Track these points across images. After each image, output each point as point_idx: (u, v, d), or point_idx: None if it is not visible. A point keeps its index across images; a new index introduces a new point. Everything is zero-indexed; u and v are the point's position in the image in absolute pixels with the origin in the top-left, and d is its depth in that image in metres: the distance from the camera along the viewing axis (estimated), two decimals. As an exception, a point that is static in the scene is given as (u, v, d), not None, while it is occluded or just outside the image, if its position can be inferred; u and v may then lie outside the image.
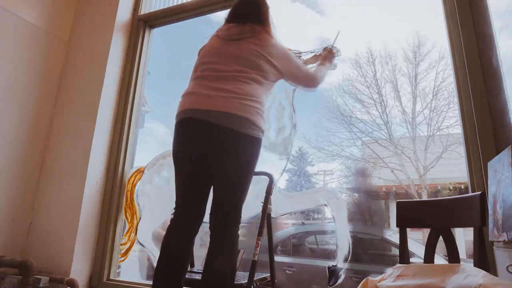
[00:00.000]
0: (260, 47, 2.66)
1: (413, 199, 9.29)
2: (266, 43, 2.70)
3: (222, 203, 2.51)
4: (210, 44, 2.84)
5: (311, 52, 3.67)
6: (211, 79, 2.60)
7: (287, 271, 5.52)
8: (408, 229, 2.56)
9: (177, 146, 2.61)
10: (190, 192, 2.61)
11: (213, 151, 2.49)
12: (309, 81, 3.01)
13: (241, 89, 2.51)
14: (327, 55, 3.39)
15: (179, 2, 4.66)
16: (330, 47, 3.52)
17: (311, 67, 3.51)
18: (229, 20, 2.92)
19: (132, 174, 4.34)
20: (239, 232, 2.52)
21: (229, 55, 2.66)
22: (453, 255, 2.21)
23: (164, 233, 2.58)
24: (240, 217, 2.53)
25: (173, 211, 2.60)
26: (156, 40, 4.99)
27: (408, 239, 2.54)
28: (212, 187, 2.60)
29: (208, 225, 2.50)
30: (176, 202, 2.62)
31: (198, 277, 2.68)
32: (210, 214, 2.51)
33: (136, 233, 4.07)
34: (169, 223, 2.59)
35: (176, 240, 2.54)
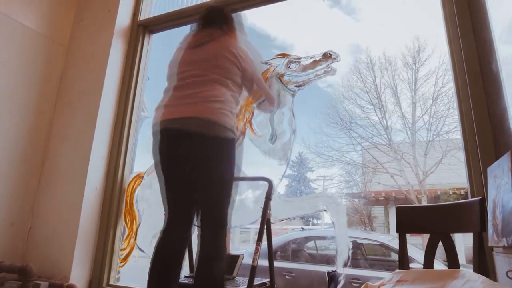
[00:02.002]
0: (221, 47, 2.73)
1: (412, 204, 9.29)
2: (228, 43, 2.77)
3: (206, 209, 2.55)
4: (174, 57, 2.91)
5: (311, 58, 3.68)
6: (176, 89, 2.69)
7: (286, 277, 5.50)
8: (407, 235, 2.56)
9: (157, 157, 2.66)
10: (175, 202, 2.65)
11: (189, 158, 2.55)
12: (267, 94, 3.08)
13: (206, 93, 2.57)
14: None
15: (179, 7, 4.66)
16: (330, 53, 3.52)
17: (311, 73, 3.53)
18: (194, 28, 3.02)
19: (132, 179, 4.34)
20: (227, 235, 2.54)
21: (194, 61, 2.73)
22: (452, 261, 2.21)
23: None
24: (226, 221, 2.56)
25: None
26: (155, 45, 5.00)
27: (408, 245, 2.54)
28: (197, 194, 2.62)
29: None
30: (165, 214, 2.67)
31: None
32: (199, 221, 2.55)
33: (135, 239, 4.07)
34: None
35: (166, 250, 2.56)
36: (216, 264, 2.42)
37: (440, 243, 2.32)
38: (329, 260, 6.18)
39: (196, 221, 2.63)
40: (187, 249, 2.93)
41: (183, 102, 2.57)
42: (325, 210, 3.54)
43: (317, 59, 3.61)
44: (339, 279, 3.31)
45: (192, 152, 2.51)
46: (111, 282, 4.08)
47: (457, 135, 10.94)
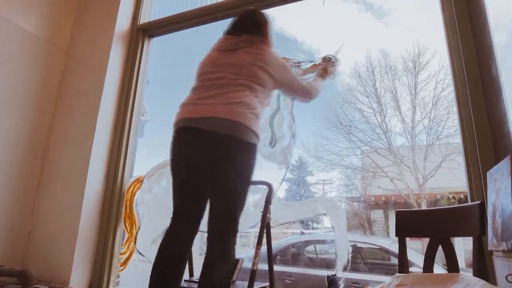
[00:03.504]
0: (255, 55, 2.66)
1: (412, 208, 9.29)
2: (262, 52, 2.70)
3: (219, 214, 2.49)
4: (207, 57, 2.85)
5: (310, 62, 3.68)
6: (204, 89, 2.63)
7: (286, 281, 5.51)
8: (407, 239, 2.56)
9: (173, 156, 2.60)
10: (185, 202, 2.59)
11: (206, 159, 2.48)
12: (304, 93, 3.01)
13: (231, 95, 2.51)
14: (327, 66, 3.41)
15: (179, 12, 4.66)
16: (330, 57, 3.53)
17: (311, 77, 3.52)
18: (227, 32, 2.93)
19: (132, 183, 4.33)
20: (236, 242, 2.51)
21: (222, 64, 2.68)
22: (452, 265, 2.21)
23: None
24: (237, 228, 2.49)
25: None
26: (155, 49, 5.00)
27: (408, 249, 2.54)
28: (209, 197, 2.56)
29: (206, 234, 2.49)
30: (173, 213, 2.60)
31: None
32: (208, 223, 2.48)
33: (135, 243, 4.06)
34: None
35: (170, 251, 2.50)
36: (222, 269, 2.39)
37: (440, 247, 2.32)
38: (328, 264, 6.19)
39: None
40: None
41: (204, 102, 2.53)
42: (324, 214, 3.54)
43: (317, 63, 3.61)
44: (339, 283, 3.30)
45: (211, 153, 2.46)
46: (110, 286, 4.08)
47: (457, 139, 10.94)
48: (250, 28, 2.83)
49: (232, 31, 2.90)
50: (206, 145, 2.46)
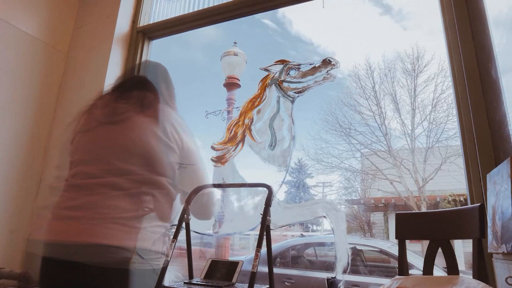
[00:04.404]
0: (153, 125, 1.99)
1: (412, 211, 9.29)
2: (161, 116, 2.02)
3: None
4: (81, 133, 2.12)
5: (310, 64, 3.69)
6: (78, 191, 1.95)
7: (286, 283, 5.51)
8: (407, 241, 2.56)
9: None
10: None
11: None
12: (198, 210, 2.42)
13: (118, 206, 1.87)
14: None
15: (178, 14, 4.67)
16: (330, 59, 3.53)
17: (311, 79, 3.53)
18: (109, 90, 2.29)
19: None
20: None
21: (104, 150, 1.99)
22: (452, 267, 2.21)
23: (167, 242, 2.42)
24: None
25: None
26: (155, 51, 5.01)
27: (407, 251, 2.54)
28: None
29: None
30: None
31: (197, 289, 2.69)
32: None
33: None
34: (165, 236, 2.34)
35: None
36: None
37: (440, 250, 2.32)
38: (328, 266, 6.19)
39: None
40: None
41: (68, 215, 1.89)
42: (324, 216, 3.54)
43: (317, 65, 3.61)
44: (339, 285, 3.30)
45: None
46: (110, 289, 4.07)
47: (457, 142, 10.96)
48: (140, 83, 2.25)
49: (116, 88, 2.28)
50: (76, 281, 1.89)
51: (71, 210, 1.88)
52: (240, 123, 3.92)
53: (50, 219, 1.96)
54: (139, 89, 2.13)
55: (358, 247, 6.15)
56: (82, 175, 1.96)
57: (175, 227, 2.79)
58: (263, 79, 3.95)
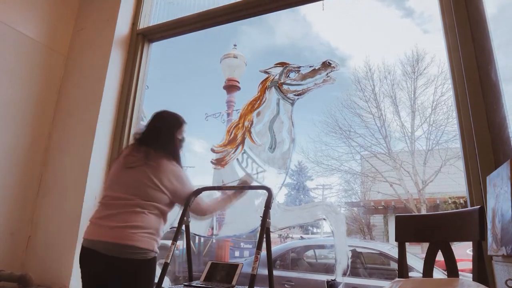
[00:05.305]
0: (150, 173, 2.79)
1: (412, 213, 9.28)
2: (157, 169, 2.82)
3: None
4: (113, 169, 3.01)
5: (310, 66, 3.69)
6: (105, 207, 2.79)
7: (286, 285, 5.50)
8: (406, 243, 2.56)
9: (81, 271, 2.77)
10: None
11: (103, 278, 2.65)
12: (197, 211, 3.06)
13: (125, 217, 2.67)
14: (237, 193, 3.31)
15: (178, 17, 4.67)
16: (329, 61, 3.53)
17: (310, 81, 3.53)
18: (135, 138, 3.13)
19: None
20: None
21: (121, 183, 2.83)
22: (452, 269, 2.21)
23: (163, 245, 2.68)
24: None
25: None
26: (155, 53, 5.01)
27: (407, 253, 2.54)
28: None
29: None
30: None
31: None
32: None
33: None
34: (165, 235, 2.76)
35: None
36: None
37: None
38: (328, 269, 6.18)
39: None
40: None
41: (101, 223, 2.70)
42: (324, 219, 3.54)
43: (316, 68, 3.61)
44: (339, 288, 3.30)
45: (110, 273, 2.62)
46: (110, 291, 4.07)
47: (456, 144, 10.94)
48: (150, 139, 2.98)
49: (136, 141, 3.06)
50: (102, 266, 2.62)
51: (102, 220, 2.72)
52: (240, 125, 3.92)
53: (89, 225, 2.80)
54: (146, 146, 2.90)
55: (358, 250, 6.14)
56: (108, 197, 2.82)
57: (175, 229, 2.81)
58: (263, 81, 3.96)
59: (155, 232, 2.74)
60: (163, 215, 2.84)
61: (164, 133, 3.01)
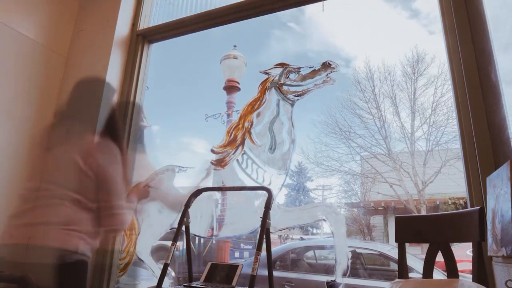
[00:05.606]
0: (73, 154, 2.46)
1: (412, 214, 9.28)
2: (83, 147, 2.49)
3: None
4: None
5: (310, 67, 3.69)
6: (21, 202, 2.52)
7: (286, 286, 5.49)
8: (406, 244, 2.56)
9: None
10: None
11: None
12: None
13: (45, 211, 2.39)
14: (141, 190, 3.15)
15: (178, 17, 4.67)
16: (329, 62, 3.53)
17: (310, 82, 3.54)
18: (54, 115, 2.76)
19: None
20: None
21: (38, 171, 2.55)
22: (452, 270, 2.21)
23: (163, 246, 2.62)
24: None
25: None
26: (155, 54, 5.01)
27: (407, 254, 2.54)
28: None
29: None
30: None
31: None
32: None
33: (135, 248, 4.06)
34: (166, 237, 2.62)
35: None
36: None
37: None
38: (328, 269, 6.17)
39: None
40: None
41: (17, 223, 2.42)
42: (324, 219, 3.54)
43: (316, 68, 3.62)
44: (339, 288, 3.30)
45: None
46: (110, 292, 4.07)
47: (456, 145, 10.93)
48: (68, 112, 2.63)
49: (56, 118, 2.71)
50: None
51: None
52: (240, 126, 3.92)
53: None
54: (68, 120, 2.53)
55: (358, 250, 6.14)
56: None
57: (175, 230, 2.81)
58: (263, 82, 3.96)
59: (79, 229, 2.41)
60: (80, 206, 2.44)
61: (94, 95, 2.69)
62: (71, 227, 2.35)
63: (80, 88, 2.81)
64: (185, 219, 3.01)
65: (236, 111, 5.46)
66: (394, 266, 5.86)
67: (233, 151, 3.87)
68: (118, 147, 2.54)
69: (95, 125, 2.47)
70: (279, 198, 3.83)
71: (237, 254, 9.90)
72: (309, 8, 4.24)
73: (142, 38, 4.82)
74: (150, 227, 4.08)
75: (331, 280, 3.32)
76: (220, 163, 3.92)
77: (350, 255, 3.45)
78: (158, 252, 4.42)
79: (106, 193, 2.45)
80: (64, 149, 2.44)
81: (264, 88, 3.93)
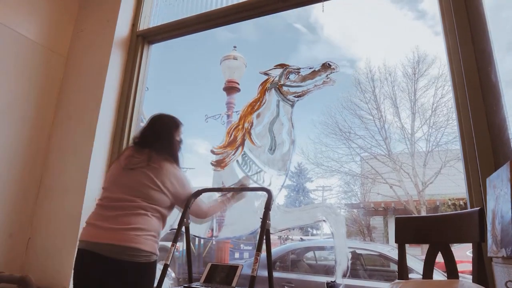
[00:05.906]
0: (152, 175, 2.80)
1: (412, 214, 9.29)
2: (160, 171, 2.83)
3: None
4: (111, 170, 3.02)
5: (310, 68, 3.69)
6: (104, 209, 2.78)
7: (285, 287, 5.49)
8: (406, 245, 2.56)
9: (75, 274, 2.72)
10: None
11: (103, 281, 2.59)
12: (197, 212, 3.12)
13: (126, 219, 2.66)
14: (235, 195, 3.43)
15: (178, 18, 4.67)
16: (329, 63, 3.53)
17: (310, 83, 3.53)
18: (134, 140, 3.13)
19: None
20: None
21: (122, 185, 2.82)
22: (452, 271, 2.21)
23: (163, 246, 2.67)
24: None
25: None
26: (155, 55, 5.01)
27: (407, 255, 2.53)
28: None
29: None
30: None
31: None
32: None
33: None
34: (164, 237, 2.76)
35: None
36: None
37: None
38: (328, 270, 6.17)
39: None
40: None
41: (101, 225, 2.67)
42: (324, 220, 3.54)
43: (316, 69, 3.61)
44: (338, 289, 3.30)
45: (109, 275, 2.58)
46: (109, 293, 4.07)
47: (456, 146, 10.94)
48: (151, 142, 2.98)
49: (136, 143, 3.07)
50: (102, 268, 2.58)
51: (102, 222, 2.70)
52: (240, 127, 3.92)
53: (87, 227, 2.81)
54: (149, 148, 2.90)
55: (358, 251, 6.14)
56: (107, 199, 2.82)
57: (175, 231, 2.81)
58: (262, 83, 3.96)
59: (156, 235, 2.74)
60: (163, 219, 2.85)
61: (164, 136, 3.02)
62: (152, 233, 2.70)
63: (158, 123, 3.14)
64: (185, 220, 3.01)
65: (236, 112, 5.46)
66: (394, 267, 5.86)
67: (233, 152, 3.87)
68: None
69: (168, 155, 2.79)
70: (279, 199, 3.83)
71: (237, 255, 9.91)
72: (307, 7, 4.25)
73: (142, 38, 4.83)
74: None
75: (331, 281, 3.32)
76: (220, 164, 3.92)
77: (350, 256, 3.44)
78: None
79: (181, 205, 3.00)
80: (147, 171, 2.80)
81: (264, 89, 3.93)
